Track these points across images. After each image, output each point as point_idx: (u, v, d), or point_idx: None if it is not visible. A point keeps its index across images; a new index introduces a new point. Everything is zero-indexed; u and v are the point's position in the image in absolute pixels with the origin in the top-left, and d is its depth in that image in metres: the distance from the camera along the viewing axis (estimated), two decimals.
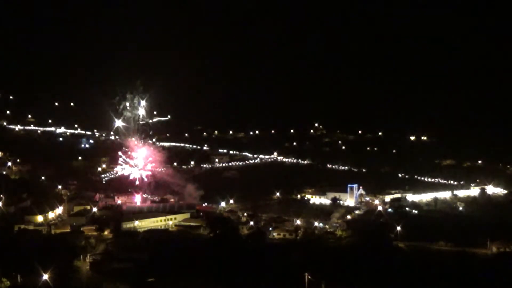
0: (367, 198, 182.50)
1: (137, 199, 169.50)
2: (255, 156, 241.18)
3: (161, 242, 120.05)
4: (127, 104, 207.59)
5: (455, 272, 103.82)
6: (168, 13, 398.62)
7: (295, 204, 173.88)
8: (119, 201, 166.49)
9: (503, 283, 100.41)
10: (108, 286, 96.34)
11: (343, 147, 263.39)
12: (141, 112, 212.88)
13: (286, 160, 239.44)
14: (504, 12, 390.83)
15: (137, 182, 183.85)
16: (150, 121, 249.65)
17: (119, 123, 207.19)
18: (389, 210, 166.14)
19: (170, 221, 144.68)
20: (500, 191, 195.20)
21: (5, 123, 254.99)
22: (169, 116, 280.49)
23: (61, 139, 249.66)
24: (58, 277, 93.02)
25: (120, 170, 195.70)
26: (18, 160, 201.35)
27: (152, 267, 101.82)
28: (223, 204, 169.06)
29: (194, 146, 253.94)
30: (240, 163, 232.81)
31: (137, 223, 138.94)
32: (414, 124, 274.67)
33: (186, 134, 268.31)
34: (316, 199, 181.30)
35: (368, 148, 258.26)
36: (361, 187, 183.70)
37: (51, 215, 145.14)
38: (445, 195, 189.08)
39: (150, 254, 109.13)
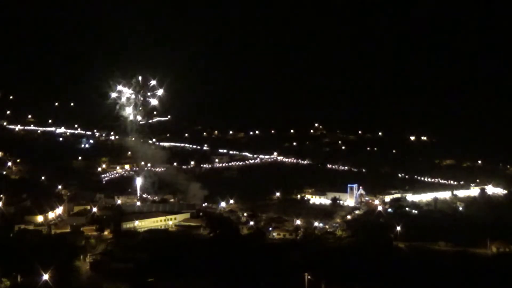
0: (367, 198, 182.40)
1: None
2: (255, 156, 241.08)
3: (161, 242, 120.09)
4: (124, 103, 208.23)
5: (455, 272, 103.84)
6: (167, 13, 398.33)
7: (295, 204, 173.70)
8: (119, 201, 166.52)
9: (503, 283, 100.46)
10: (108, 286, 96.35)
11: (343, 147, 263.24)
12: (140, 111, 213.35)
13: (286, 160, 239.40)
14: (504, 13, 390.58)
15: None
16: (150, 121, 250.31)
17: (117, 122, 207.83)
18: (389, 210, 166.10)
19: (170, 221, 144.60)
20: (500, 191, 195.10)
21: (5, 123, 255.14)
22: (169, 116, 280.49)
23: (61, 139, 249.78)
24: (58, 277, 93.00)
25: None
26: (18, 160, 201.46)
27: (152, 267, 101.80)
28: (223, 204, 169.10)
29: (194, 146, 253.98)
30: (240, 163, 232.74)
31: (137, 223, 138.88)
32: (414, 124, 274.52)
33: (186, 134, 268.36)
34: (316, 199, 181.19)
35: (368, 148, 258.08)
36: (361, 187, 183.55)
37: (51, 215, 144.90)
38: (445, 195, 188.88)
39: (150, 254, 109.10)
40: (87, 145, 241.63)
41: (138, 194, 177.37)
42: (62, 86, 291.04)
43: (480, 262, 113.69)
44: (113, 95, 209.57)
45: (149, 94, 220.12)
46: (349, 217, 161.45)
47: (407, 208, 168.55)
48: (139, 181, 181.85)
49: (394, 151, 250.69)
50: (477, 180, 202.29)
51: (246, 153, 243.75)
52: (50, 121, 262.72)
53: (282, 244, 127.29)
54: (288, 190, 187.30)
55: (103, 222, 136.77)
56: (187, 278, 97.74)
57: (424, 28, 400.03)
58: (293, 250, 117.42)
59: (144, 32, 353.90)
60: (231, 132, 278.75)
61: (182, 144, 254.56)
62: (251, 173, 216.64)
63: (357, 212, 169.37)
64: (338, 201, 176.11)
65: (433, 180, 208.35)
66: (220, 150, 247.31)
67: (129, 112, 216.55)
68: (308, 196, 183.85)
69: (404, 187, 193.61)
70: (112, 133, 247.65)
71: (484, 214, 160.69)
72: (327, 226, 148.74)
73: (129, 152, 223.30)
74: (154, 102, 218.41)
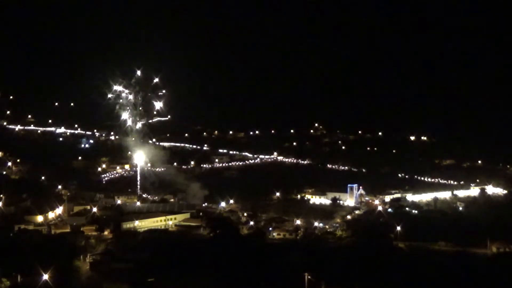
0: (367, 198, 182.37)
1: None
2: (255, 156, 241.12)
3: (161, 242, 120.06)
4: (124, 103, 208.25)
5: (455, 272, 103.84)
6: (167, 13, 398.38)
7: (295, 204, 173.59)
8: (119, 201, 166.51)
9: (503, 283, 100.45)
10: (108, 286, 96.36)
11: (343, 147, 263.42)
12: (140, 111, 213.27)
13: (286, 160, 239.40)
14: (503, 13, 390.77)
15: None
16: (150, 121, 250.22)
17: (117, 122, 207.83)
18: (389, 210, 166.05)
19: (170, 221, 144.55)
20: (500, 191, 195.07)
21: (5, 123, 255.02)
22: (169, 116, 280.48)
23: (61, 139, 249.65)
24: (58, 277, 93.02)
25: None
26: (18, 160, 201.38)
27: (152, 267, 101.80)
28: (223, 204, 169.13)
29: (194, 146, 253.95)
30: (240, 163, 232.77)
31: (137, 223, 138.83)
32: (414, 124, 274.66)
33: (186, 134, 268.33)
34: (316, 199, 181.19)
35: (368, 148, 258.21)
36: (361, 187, 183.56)
37: (51, 215, 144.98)
38: (445, 195, 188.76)
39: (150, 254, 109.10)
40: (87, 145, 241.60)
41: (138, 194, 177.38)
42: (62, 86, 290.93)
43: (480, 262, 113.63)
44: (113, 95, 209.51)
45: (149, 94, 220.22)
46: (349, 217, 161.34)
47: (407, 208, 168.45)
48: (139, 181, 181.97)
49: (394, 151, 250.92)
50: (477, 180, 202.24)
51: (246, 153, 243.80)
52: (50, 121, 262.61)
53: (282, 244, 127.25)
54: (288, 190, 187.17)
55: (103, 222, 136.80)
56: (187, 278, 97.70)
57: (424, 28, 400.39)
58: (293, 250, 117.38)
59: (145, 32, 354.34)
60: (231, 132, 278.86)
61: (182, 144, 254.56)
62: (251, 173, 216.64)
63: (357, 212, 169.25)
64: (338, 201, 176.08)
65: (433, 180, 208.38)
66: (220, 150, 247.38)
67: (129, 112, 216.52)
68: (308, 196, 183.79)
69: (404, 187, 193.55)
70: (112, 133, 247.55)
71: (484, 214, 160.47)
72: (327, 226, 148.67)
73: (129, 152, 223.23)
74: (154, 102, 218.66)
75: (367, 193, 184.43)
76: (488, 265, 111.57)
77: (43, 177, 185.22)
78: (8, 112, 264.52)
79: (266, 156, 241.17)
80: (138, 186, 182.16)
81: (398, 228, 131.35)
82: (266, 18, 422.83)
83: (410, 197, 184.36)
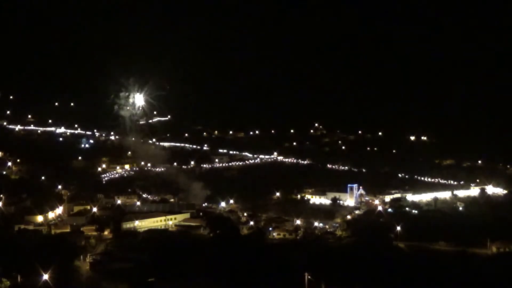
0: (367, 198, 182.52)
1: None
2: (255, 156, 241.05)
3: (161, 242, 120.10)
4: (122, 103, 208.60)
5: (455, 272, 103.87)
6: (168, 13, 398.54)
7: (295, 204, 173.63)
8: (119, 201, 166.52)
9: (503, 283, 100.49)
10: (108, 286, 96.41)
11: (343, 147, 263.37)
12: (139, 111, 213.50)
13: (286, 160, 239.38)
14: (503, 13, 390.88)
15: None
16: (150, 121, 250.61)
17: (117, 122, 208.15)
18: (389, 210, 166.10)
19: (170, 221, 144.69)
20: (500, 191, 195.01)
21: (5, 123, 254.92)
22: (169, 116, 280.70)
23: (61, 139, 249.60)
24: (58, 277, 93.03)
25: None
26: (18, 160, 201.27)
27: (152, 267, 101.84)
28: (223, 204, 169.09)
29: (194, 146, 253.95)
30: (240, 163, 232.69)
31: (137, 223, 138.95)
32: (414, 124, 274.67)
33: (186, 134, 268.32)
34: (316, 199, 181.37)
35: (368, 148, 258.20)
36: (361, 187, 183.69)
37: (51, 215, 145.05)
38: (445, 195, 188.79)
39: (150, 254, 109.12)
40: (87, 145, 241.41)
41: (138, 194, 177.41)
42: (62, 86, 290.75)
43: (480, 262, 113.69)
44: (113, 95, 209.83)
45: (149, 94, 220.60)
46: (349, 217, 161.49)
47: (407, 208, 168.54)
48: (139, 181, 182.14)
49: (394, 151, 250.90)
50: (477, 180, 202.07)
51: (246, 153, 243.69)
52: (50, 121, 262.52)
53: (282, 244, 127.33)
54: (288, 190, 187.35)
55: (103, 222, 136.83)
56: (187, 278, 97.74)
57: (423, 28, 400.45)
58: (293, 250, 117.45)
59: (145, 32, 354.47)
60: (231, 132, 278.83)
61: (182, 144, 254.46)
62: (251, 173, 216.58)
63: (357, 212, 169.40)
64: (338, 201, 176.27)
65: (433, 180, 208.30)
66: (220, 150, 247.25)
67: (129, 112, 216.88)
68: (308, 196, 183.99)
69: (404, 187, 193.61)
70: (112, 133, 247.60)
71: (484, 214, 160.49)
72: (327, 226, 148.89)
73: (129, 152, 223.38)
74: (154, 102, 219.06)
75: (367, 193, 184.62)
76: (488, 265, 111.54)
77: (43, 177, 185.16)
78: (8, 112, 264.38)
79: (266, 156, 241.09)
80: (138, 186, 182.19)
81: (398, 228, 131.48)
82: (265, 18, 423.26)
83: (410, 197, 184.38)
